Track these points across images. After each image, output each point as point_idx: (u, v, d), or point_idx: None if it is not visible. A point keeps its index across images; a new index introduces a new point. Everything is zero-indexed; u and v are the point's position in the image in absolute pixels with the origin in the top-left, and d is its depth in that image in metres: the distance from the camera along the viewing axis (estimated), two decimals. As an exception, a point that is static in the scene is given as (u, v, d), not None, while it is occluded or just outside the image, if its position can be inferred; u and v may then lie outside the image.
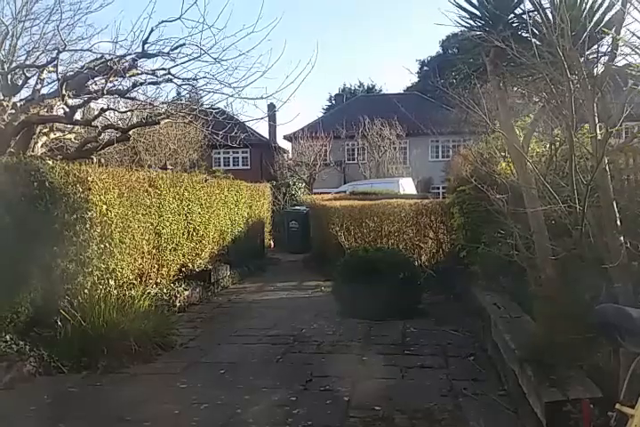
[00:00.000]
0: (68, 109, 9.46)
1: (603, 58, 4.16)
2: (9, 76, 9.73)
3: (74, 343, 5.96)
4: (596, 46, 4.26)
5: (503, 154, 6.13)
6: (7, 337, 5.64)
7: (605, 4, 4.23)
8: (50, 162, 6.66)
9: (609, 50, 3.98)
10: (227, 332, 7.52)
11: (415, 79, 47.32)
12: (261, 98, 9.46)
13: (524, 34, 4.78)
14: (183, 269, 9.72)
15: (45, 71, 9.84)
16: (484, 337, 6.50)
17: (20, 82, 10.08)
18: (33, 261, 6.06)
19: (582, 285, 4.26)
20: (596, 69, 4.04)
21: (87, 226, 6.82)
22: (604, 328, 2.63)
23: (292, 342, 6.99)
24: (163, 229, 8.84)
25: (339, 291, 8.63)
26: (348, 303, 8.28)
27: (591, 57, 4.16)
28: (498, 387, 5.13)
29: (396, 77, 71.06)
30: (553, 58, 3.79)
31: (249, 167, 33.06)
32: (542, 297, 4.81)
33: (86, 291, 6.53)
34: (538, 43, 4.07)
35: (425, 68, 48.02)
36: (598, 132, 3.66)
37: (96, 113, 10.31)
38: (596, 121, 3.69)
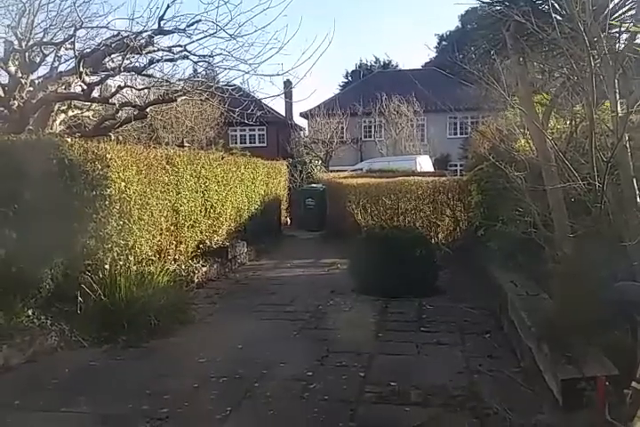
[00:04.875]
0: (85, 87, 9.49)
1: (625, 33, 4.09)
2: (27, 54, 9.75)
3: (94, 318, 6.06)
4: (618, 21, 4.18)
5: (522, 131, 6.06)
6: (29, 312, 5.74)
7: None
8: (69, 139, 6.71)
9: (631, 25, 3.90)
10: (244, 308, 7.59)
11: (433, 54, 46.83)
12: (277, 74, 9.48)
13: (544, 8, 4.70)
14: (201, 245, 9.79)
15: (63, 48, 9.86)
16: (500, 315, 6.51)
17: (38, 59, 10.11)
18: (53, 237, 6.12)
19: (601, 262, 4.24)
20: (617, 45, 3.97)
21: (106, 203, 6.88)
22: (622, 306, 2.63)
23: (308, 318, 7.05)
24: (180, 206, 8.89)
25: (355, 268, 8.65)
26: (364, 281, 8.30)
27: (613, 31, 4.08)
28: (514, 364, 5.14)
29: (414, 53, 70.14)
30: (574, 33, 3.73)
31: (265, 145, 33.00)
32: (560, 275, 4.80)
33: (106, 267, 6.60)
34: (559, 17, 4.01)
35: (444, 42, 47.40)
36: (619, 108, 3.61)
37: (113, 90, 10.34)
38: (617, 97, 3.64)
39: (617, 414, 3.10)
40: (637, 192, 3.71)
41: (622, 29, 4.13)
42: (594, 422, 3.40)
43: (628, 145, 3.75)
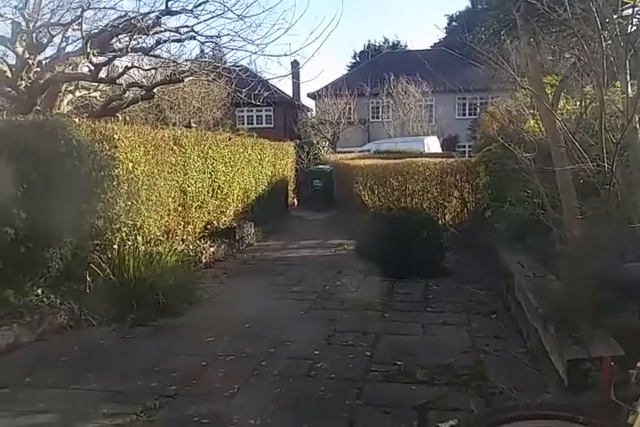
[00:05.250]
0: (92, 67, 9.48)
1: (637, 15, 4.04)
2: (34, 35, 9.73)
3: (103, 297, 6.09)
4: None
5: (532, 111, 6.01)
6: (39, 291, 5.81)
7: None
8: (76, 120, 6.71)
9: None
10: (252, 287, 7.65)
11: (443, 35, 46.37)
12: (285, 55, 9.46)
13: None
14: (208, 226, 9.83)
15: (70, 29, 9.83)
16: (507, 295, 6.53)
17: (45, 40, 10.09)
18: (62, 217, 6.15)
19: (609, 244, 4.24)
20: (629, 26, 3.92)
21: (114, 183, 6.90)
22: (630, 287, 2.63)
23: (315, 298, 7.09)
24: (188, 186, 8.91)
25: (362, 249, 8.67)
26: (371, 261, 8.31)
27: (625, 12, 4.03)
28: (520, 344, 5.17)
29: (423, 33, 69.11)
30: (585, 13, 3.68)
31: (272, 126, 32.90)
32: (568, 256, 4.80)
33: (115, 246, 6.66)
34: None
35: (453, 23, 46.85)
36: (630, 89, 3.58)
37: (120, 71, 10.32)
38: (628, 78, 3.61)
39: (622, 395, 3.12)
40: (647, 173, 3.70)
41: (635, 10, 4.08)
42: (599, 401, 3.42)
43: (637, 126, 3.72)
